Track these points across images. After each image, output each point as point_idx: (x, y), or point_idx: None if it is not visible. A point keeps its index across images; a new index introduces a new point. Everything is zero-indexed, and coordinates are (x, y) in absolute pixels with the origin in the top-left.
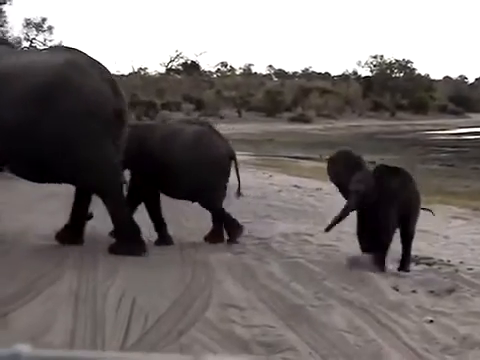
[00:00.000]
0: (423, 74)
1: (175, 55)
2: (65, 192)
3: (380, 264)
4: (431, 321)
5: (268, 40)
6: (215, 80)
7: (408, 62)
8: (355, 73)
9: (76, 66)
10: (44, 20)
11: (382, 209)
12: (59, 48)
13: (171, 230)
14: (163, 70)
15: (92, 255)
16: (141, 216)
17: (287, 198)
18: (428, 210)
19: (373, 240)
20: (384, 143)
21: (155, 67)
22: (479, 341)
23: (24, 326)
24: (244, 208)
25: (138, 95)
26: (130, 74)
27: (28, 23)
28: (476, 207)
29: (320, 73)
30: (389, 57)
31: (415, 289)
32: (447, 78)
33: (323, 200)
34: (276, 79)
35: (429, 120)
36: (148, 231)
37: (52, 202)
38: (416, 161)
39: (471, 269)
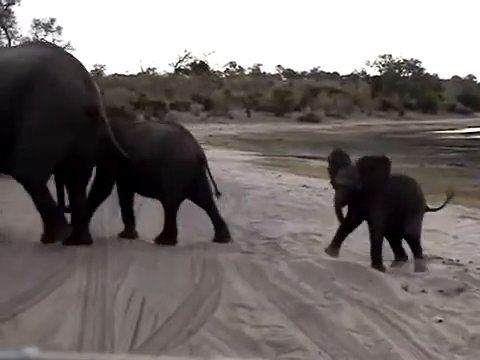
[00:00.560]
0: (432, 74)
1: (184, 55)
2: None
3: (378, 264)
4: (440, 321)
5: (277, 40)
6: (224, 80)
7: (417, 62)
8: (364, 73)
9: (53, 60)
10: (53, 20)
11: (370, 207)
12: (37, 44)
13: (179, 230)
14: (172, 70)
15: (101, 255)
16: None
17: (296, 198)
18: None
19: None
20: (393, 143)
21: (164, 67)
22: None
23: (33, 327)
24: (253, 208)
25: (147, 95)
26: (139, 74)
27: (37, 24)
28: None
29: (329, 73)
30: (397, 57)
31: (424, 289)
32: (456, 78)
33: (332, 200)
34: (285, 79)
35: (438, 120)
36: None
37: None
38: (425, 161)
39: None
